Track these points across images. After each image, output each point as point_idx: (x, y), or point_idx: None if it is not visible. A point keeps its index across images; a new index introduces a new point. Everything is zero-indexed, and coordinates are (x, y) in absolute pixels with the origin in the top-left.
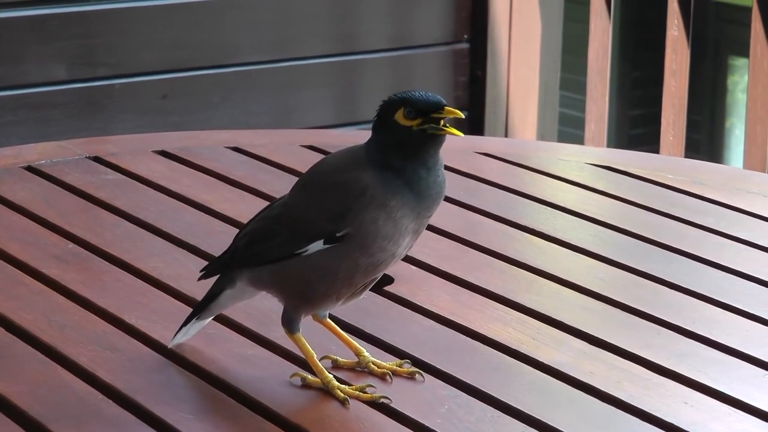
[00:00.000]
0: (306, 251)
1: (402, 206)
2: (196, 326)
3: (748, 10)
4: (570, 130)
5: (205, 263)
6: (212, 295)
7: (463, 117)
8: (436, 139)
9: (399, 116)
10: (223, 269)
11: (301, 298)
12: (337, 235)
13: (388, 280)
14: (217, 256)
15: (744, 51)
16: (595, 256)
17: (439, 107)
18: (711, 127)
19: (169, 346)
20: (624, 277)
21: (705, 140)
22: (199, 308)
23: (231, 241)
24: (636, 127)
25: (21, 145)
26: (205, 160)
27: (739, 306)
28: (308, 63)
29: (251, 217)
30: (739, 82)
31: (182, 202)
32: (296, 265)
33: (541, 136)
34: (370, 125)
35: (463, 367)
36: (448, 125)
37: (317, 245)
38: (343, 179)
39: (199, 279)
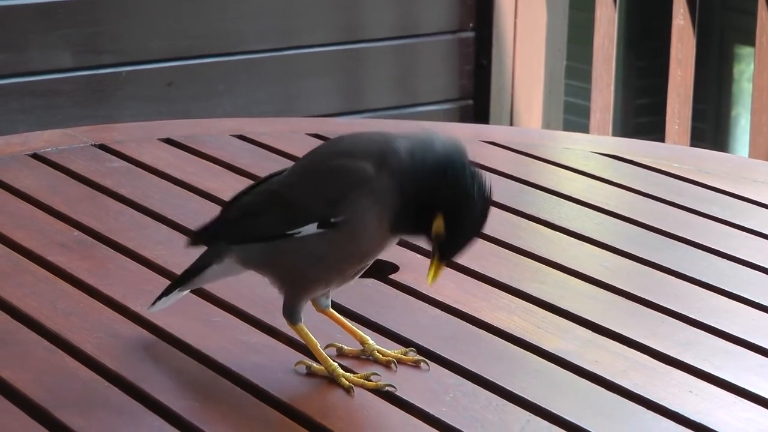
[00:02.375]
0: (299, 233)
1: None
2: (177, 296)
3: None
4: (575, 118)
5: None
6: (198, 269)
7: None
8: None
9: (438, 225)
10: (212, 240)
11: (290, 281)
12: (332, 220)
13: (393, 268)
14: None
15: (750, 40)
16: (600, 244)
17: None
18: (716, 116)
19: (148, 311)
20: (629, 266)
21: (710, 129)
22: (181, 280)
23: (222, 210)
24: (641, 116)
25: (27, 133)
26: (210, 148)
27: (745, 295)
28: (313, 51)
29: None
30: (745, 71)
31: (187, 190)
32: (287, 246)
33: (547, 124)
34: (375, 113)
35: (468, 356)
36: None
37: (311, 228)
38: (349, 166)
39: (187, 247)
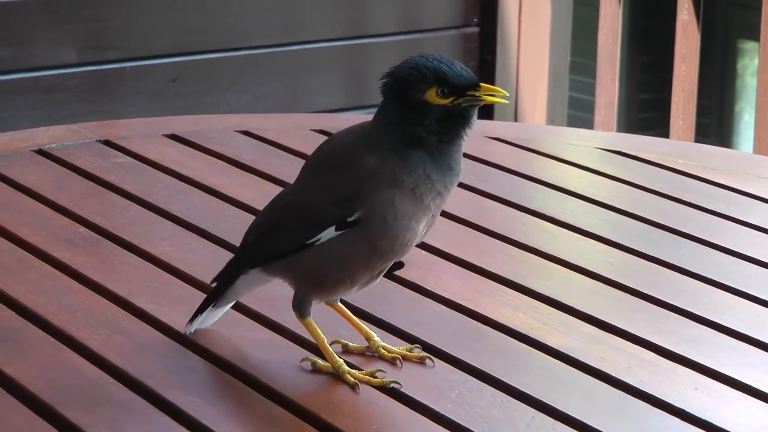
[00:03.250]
0: (319, 240)
1: (424, 180)
2: (213, 314)
3: None
4: (580, 114)
5: (215, 247)
6: (227, 283)
7: (507, 94)
8: (473, 112)
9: (431, 95)
10: (235, 268)
11: (315, 285)
12: (349, 219)
13: (398, 264)
14: (226, 240)
15: (754, 35)
16: (605, 240)
17: (474, 85)
18: (720, 112)
19: (184, 333)
20: (634, 262)
21: (714, 124)
22: (214, 296)
23: (243, 231)
24: (646, 112)
25: (32, 129)
26: (215, 144)
27: (750, 291)
28: (318, 47)
29: (261, 202)
30: (749, 66)
31: (192, 186)
32: (310, 255)
33: (551, 120)
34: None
35: (474, 352)
36: (484, 96)
37: (329, 232)
38: (349, 161)
39: (212, 283)
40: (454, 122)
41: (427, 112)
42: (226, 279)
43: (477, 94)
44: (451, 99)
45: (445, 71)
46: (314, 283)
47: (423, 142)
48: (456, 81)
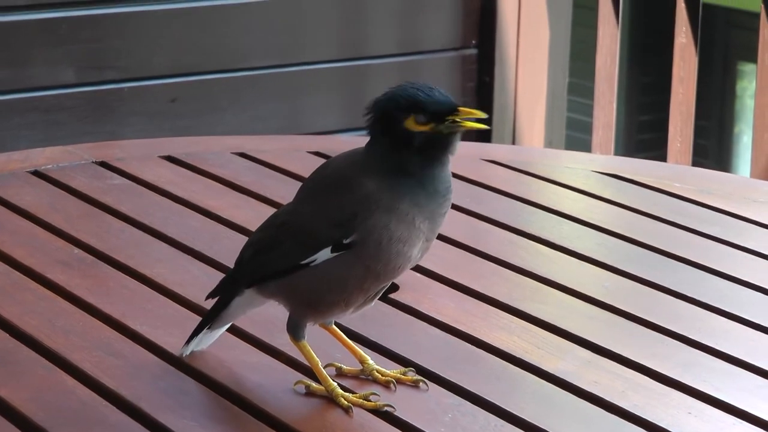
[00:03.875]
0: (314, 260)
1: (413, 207)
2: (209, 336)
3: (757, 15)
4: (578, 134)
5: (210, 269)
6: (222, 304)
7: (485, 117)
8: (455, 138)
9: (410, 123)
10: (231, 285)
11: (310, 306)
12: (345, 242)
13: (393, 287)
14: (221, 262)
15: (753, 56)
16: (601, 264)
17: (453, 110)
18: (719, 133)
19: (179, 355)
20: (629, 286)
21: (713, 146)
22: (209, 317)
23: (238, 252)
24: (645, 132)
25: (28, 150)
26: (211, 166)
27: (745, 316)
28: (317, 68)
29: (257, 224)
30: (748, 88)
31: (188, 208)
32: (305, 276)
33: (549, 142)
34: None
35: (468, 376)
36: (464, 122)
37: (325, 254)
38: (346, 184)
39: (207, 298)
40: (434, 149)
41: (407, 140)
42: (221, 300)
43: (456, 119)
44: (430, 126)
45: (421, 99)
46: (309, 304)
47: (408, 170)
48: (433, 108)
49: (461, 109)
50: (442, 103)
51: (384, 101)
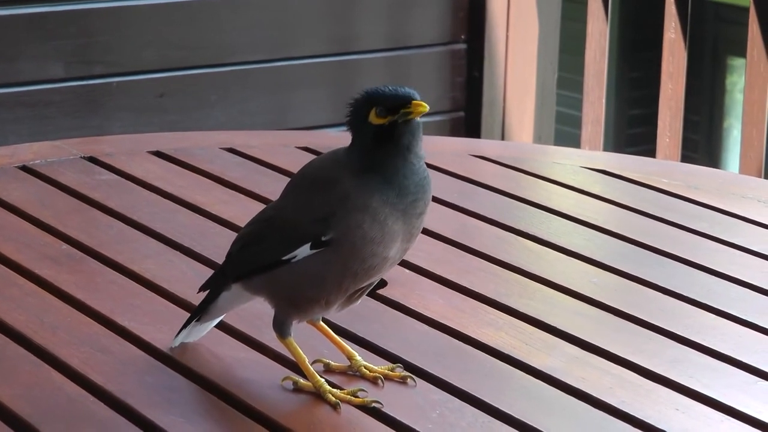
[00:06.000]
0: (294, 257)
1: (384, 206)
2: (198, 329)
3: (746, 10)
4: (568, 129)
5: (199, 265)
6: (210, 298)
7: (428, 110)
8: (409, 129)
9: (372, 116)
10: (221, 277)
11: (290, 303)
12: (323, 239)
13: (381, 283)
14: (210, 257)
15: (743, 51)
16: (589, 260)
17: (407, 102)
18: (709, 128)
19: (170, 348)
20: (617, 282)
21: (703, 140)
22: (198, 310)
23: (226, 248)
24: (634, 127)
25: (16, 145)
26: (200, 161)
27: (733, 312)
28: (305, 63)
29: (245, 219)
30: (738, 83)
31: (176, 204)
32: (286, 272)
33: (538, 137)
34: None
35: (455, 372)
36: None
37: (305, 250)
38: (326, 182)
39: (199, 291)
40: (389, 140)
41: (371, 132)
42: (210, 293)
43: (409, 110)
44: (388, 118)
45: (379, 92)
46: (290, 301)
47: (374, 166)
48: (387, 101)
49: (414, 101)
50: (397, 96)
51: (356, 98)
